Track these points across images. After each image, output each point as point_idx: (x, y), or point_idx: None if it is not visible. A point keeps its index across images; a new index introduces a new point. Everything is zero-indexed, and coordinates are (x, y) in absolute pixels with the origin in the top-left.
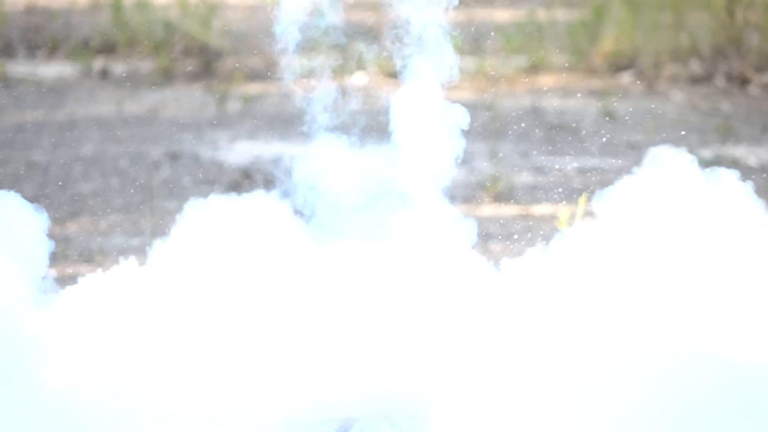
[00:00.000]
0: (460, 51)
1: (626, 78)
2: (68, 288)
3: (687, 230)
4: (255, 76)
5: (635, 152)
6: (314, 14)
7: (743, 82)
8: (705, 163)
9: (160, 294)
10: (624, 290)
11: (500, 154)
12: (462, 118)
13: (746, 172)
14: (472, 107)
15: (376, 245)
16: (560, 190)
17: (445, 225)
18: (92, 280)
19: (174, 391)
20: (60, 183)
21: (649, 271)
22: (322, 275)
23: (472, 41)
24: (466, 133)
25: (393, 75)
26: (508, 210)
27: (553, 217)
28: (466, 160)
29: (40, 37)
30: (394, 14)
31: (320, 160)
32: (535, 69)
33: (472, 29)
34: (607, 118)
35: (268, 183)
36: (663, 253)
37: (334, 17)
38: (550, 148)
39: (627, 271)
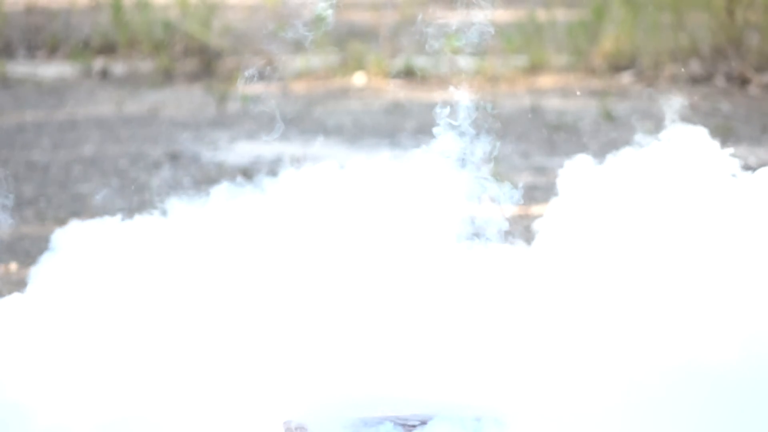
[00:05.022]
0: (459, 51)
1: (626, 78)
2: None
3: (689, 227)
4: (255, 75)
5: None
6: (314, 14)
7: (743, 82)
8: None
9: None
10: (624, 289)
11: (500, 154)
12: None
13: (746, 172)
14: (471, 107)
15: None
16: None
17: (447, 224)
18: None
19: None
20: (60, 183)
21: (651, 267)
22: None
23: (471, 41)
24: (466, 133)
25: (393, 75)
26: (508, 210)
27: None
28: (465, 160)
29: (40, 37)
30: (395, 14)
31: (320, 160)
32: (535, 69)
33: (472, 29)
34: (607, 118)
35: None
36: (664, 250)
37: (334, 17)
38: (550, 148)
39: (627, 265)
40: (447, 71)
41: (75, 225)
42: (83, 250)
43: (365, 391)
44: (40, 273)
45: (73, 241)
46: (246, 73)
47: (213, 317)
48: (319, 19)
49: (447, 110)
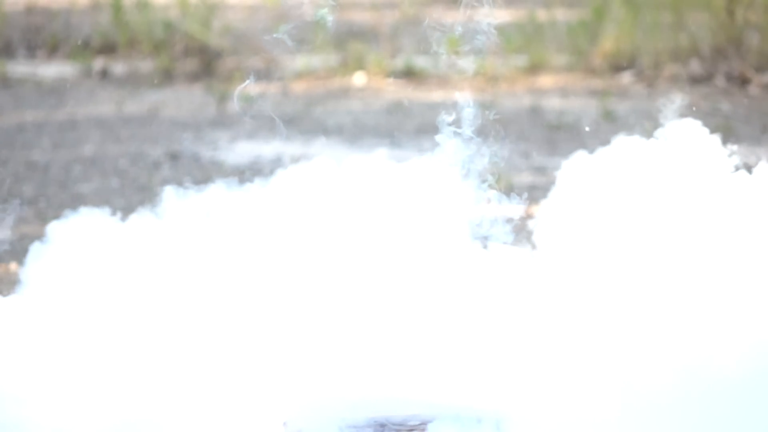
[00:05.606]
0: (459, 51)
1: (626, 78)
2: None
3: (689, 227)
4: (255, 76)
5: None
6: (315, 14)
7: (743, 82)
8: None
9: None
10: (624, 290)
11: (500, 156)
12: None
13: (746, 171)
14: (472, 109)
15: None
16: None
17: (446, 226)
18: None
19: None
20: (60, 183)
21: (651, 268)
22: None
23: (472, 41)
24: (467, 137)
25: (393, 75)
26: (508, 210)
27: None
28: (466, 164)
29: (40, 37)
30: (395, 14)
31: (320, 160)
32: (535, 69)
33: (473, 29)
34: (607, 118)
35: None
36: (664, 250)
37: (334, 17)
38: (550, 148)
39: (627, 262)
40: (447, 71)
41: (71, 221)
42: (78, 246)
43: (365, 393)
44: (33, 269)
45: (68, 237)
46: (246, 73)
47: (212, 318)
48: (319, 22)
49: (451, 116)
